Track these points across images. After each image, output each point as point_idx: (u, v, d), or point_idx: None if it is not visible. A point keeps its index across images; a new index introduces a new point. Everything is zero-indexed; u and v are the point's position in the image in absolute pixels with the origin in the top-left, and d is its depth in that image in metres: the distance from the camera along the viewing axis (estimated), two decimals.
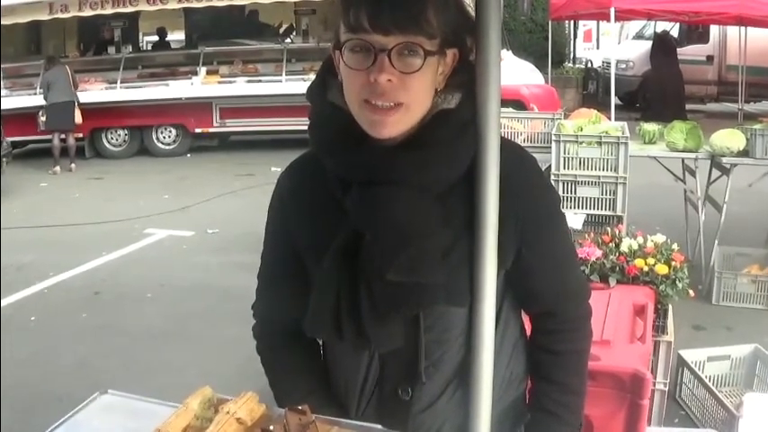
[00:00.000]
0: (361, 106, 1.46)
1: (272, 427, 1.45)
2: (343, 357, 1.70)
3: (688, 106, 16.70)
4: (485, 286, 1.52)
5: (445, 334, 1.59)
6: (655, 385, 3.90)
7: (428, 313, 1.56)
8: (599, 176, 5.72)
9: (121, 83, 14.25)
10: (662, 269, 3.97)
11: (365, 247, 1.48)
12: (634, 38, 20.04)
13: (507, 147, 1.54)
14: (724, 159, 6.14)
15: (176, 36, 18.24)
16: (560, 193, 5.71)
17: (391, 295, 1.47)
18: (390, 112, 1.44)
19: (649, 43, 17.58)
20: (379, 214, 1.46)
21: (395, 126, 1.46)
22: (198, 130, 14.52)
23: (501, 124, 1.54)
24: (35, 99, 13.24)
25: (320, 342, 1.80)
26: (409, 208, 1.46)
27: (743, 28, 15.43)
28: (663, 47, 16.96)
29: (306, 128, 1.61)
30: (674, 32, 17.92)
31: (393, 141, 1.48)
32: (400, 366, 1.61)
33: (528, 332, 1.79)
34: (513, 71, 13.29)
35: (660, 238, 4.22)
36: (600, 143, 5.72)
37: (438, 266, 1.48)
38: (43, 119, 12.86)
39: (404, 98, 1.44)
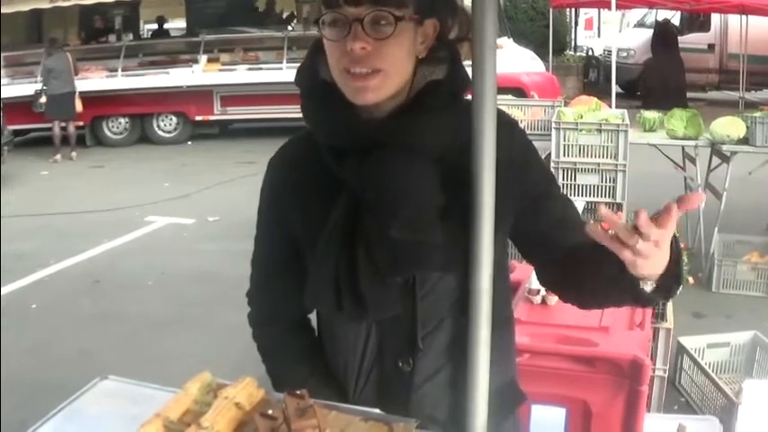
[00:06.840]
0: (341, 75, 1.52)
1: (270, 412, 1.45)
2: (342, 333, 1.69)
3: (689, 94, 16.65)
4: (481, 255, 1.53)
5: (439, 303, 1.61)
6: (654, 372, 3.91)
7: (423, 280, 1.59)
8: (599, 164, 5.72)
9: (122, 71, 14.23)
10: None
11: (365, 207, 1.53)
12: (635, 26, 20.02)
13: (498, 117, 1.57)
14: (724, 147, 6.15)
15: (177, 24, 18.20)
16: (560, 180, 5.70)
17: (392, 254, 1.51)
18: (369, 78, 1.50)
19: (650, 32, 17.53)
20: (376, 175, 1.51)
21: (375, 92, 1.51)
22: (199, 118, 14.50)
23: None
24: (36, 87, 13.13)
25: (316, 328, 1.81)
26: (406, 169, 1.51)
27: (744, 16, 15.43)
28: (664, 35, 16.92)
29: None
30: (676, 21, 17.89)
31: (383, 111, 1.55)
32: (398, 337, 1.62)
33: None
34: (513, 59, 13.28)
35: None
36: (600, 131, 5.71)
37: (437, 228, 1.52)
38: (42, 100, 12.74)
39: (380, 64, 1.49)
